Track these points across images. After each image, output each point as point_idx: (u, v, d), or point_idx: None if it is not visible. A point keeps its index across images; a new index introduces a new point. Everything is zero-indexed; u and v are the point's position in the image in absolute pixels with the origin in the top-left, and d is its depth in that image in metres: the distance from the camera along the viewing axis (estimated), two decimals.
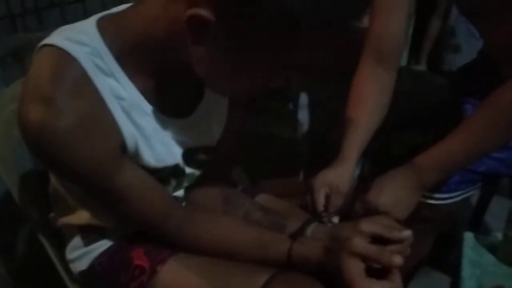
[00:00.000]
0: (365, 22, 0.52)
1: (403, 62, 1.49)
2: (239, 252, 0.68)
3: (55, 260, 0.79)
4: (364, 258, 0.60)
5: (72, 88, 0.54)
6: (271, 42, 0.53)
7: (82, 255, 0.76)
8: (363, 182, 0.92)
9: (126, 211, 0.65)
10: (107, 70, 0.58)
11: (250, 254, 0.68)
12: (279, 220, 0.77)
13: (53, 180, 0.73)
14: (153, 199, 0.66)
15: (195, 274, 0.68)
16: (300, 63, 1.13)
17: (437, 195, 1.03)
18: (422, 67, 1.74)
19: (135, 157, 0.64)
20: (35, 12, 1.55)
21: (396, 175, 0.81)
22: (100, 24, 0.59)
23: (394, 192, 0.79)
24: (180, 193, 0.75)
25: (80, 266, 0.76)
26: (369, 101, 0.91)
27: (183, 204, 0.78)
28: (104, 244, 0.75)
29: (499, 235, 0.88)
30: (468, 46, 1.59)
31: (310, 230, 0.74)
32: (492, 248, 0.88)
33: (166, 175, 0.70)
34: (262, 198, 0.90)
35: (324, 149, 1.15)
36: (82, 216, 0.73)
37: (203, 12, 0.50)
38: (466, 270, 0.83)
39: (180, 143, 0.70)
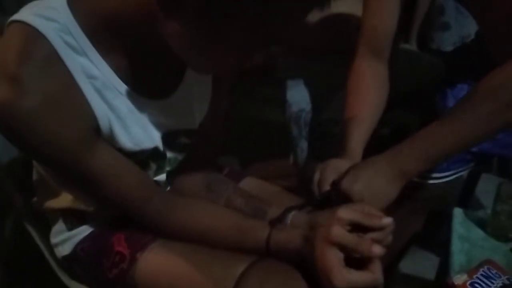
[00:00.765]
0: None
1: None
2: (218, 239, 0.67)
3: (41, 245, 0.78)
4: (342, 247, 0.58)
5: (40, 67, 0.52)
6: (242, 14, 0.50)
7: (65, 239, 0.75)
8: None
9: (103, 195, 0.64)
10: (78, 47, 0.55)
11: (229, 240, 0.67)
12: (261, 206, 0.75)
13: (34, 163, 0.72)
14: (130, 183, 0.64)
15: (174, 263, 0.67)
16: (282, 41, 1.12)
17: (429, 175, 1.03)
18: (411, 45, 1.72)
19: (110, 139, 0.62)
20: None
21: (376, 162, 0.74)
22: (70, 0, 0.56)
23: (369, 180, 0.72)
24: (162, 177, 0.73)
25: (63, 250, 0.76)
26: (369, 96, 0.88)
27: (167, 189, 0.77)
28: (86, 229, 0.75)
29: (488, 211, 0.88)
30: (457, 24, 1.58)
31: (290, 217, 0.71)
32: (481, 223, 0.88)
33: (145, 158, 0.68)
34: (248, 182, 0.89)
35: (313, 129, 1.14)
36: (64, 200, 0.72)
37: None
38: (456, 245, 0.83)
39: (159, 125, 0.67)
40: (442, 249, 0.93)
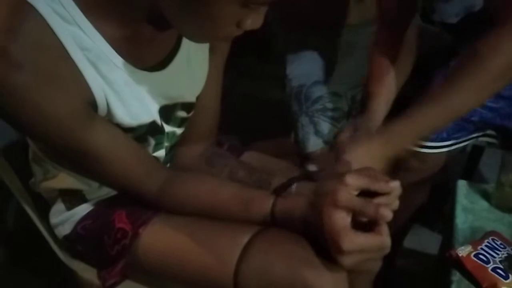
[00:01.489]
0: None
1: None
2: (222, 211, 0.66)
3: (40, 226, 0.78)
4: (349, 211, 0.56)
5: (30, 39, 0.50)
6: None
7: (65, 219, 0.74)
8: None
9: (102, 173, 0.62)
10: (69, 17, 0.53)
11: (233, 212, 0.65)
12: (264, 177, 0.74)
13: (31, 143, 0.71)
14: (130, 159, 0.63)
15: (177, 236, 0.66)
16: (278, 14, 1.10)
17: (428, 143, 1.01)
18: (416, 19, 1.70)
19: (107, 115, 0.60)
20: None
21: (371, 142, 0.75)
22: None
23: (361, 157, 0.73)
24: (161, 153, 0.72)
25: (63, 230, 0.75)
26: (396, 61, 0.93)
27: (168, 165, 0.76)
28: (86, 208, 0.74)
29: (492, 185, 0.87)
30: None
31: (295, 186, 0.70)
32: (485, 195, 0.88)
33: (143, 133, 0.66)
34: (249, 156, 0.88)
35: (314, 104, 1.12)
36: (62, 180, 0.71)
37: None
38: (460, 217, 0.83)
39: (156, 98, 0.66)
40: (446, 223, 0.92)
